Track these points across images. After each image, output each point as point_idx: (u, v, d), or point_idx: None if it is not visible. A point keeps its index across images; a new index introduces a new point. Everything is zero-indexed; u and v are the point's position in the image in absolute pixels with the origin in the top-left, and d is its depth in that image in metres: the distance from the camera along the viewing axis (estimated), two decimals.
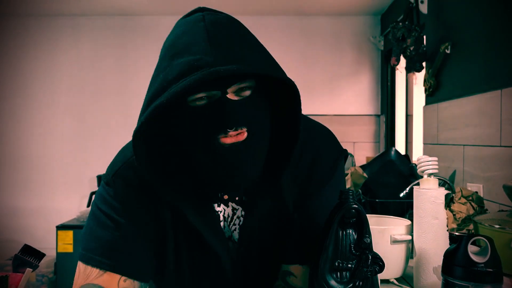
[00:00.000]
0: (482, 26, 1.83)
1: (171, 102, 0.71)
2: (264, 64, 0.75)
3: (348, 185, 1.86)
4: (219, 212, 0.88)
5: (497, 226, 1.13)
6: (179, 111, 0.77)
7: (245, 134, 0.75)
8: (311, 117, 0.98)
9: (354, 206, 0.75)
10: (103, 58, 3.58)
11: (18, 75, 3.58)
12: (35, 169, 3.56)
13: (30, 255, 0.92)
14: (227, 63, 0.70)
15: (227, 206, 0.89)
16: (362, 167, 2.14)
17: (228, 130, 0.73)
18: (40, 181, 3.56)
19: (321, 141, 0.92)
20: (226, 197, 0.88)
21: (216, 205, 0.88)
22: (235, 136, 0.74)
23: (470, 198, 1.42)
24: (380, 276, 1.16)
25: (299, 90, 0.78)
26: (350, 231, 0.77)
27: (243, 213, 0.88)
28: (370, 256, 0.75)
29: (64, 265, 2.86)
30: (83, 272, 0.83)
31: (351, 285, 0.74)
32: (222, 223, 0.88)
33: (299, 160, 0.88)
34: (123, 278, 0.83)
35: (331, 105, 3.48)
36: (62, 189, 3.54)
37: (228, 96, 0.74)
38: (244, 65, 0.71)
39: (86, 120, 3.55)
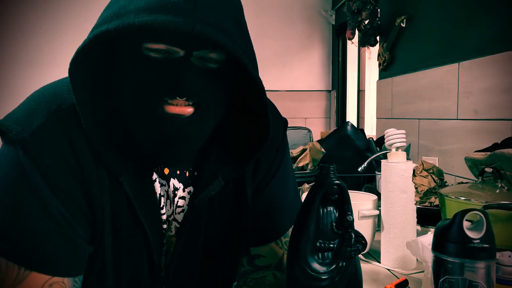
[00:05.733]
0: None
1: (121, 37, 0.60)
2: (245, 48, 0.65)
3: (306, 161, 1.83)
4: (158, 188, 0.74)
5: (462, 198, 1.13)
6: (127, 55, 0.64)
7: (191, 110, 0.65)
8: None
9: (337, 182, 0.70)
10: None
11: None
12: None
13: None
14: (207, 23, 0.59)
15: (168, 184, 0.76)
16: (318, 142, 2.12)
17: (178, 97, 0.63)
18: None
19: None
20: (166, 171, 0.76)
21: (157, 181, 0.74)
22: (181, 107, 0.64)
23: (431, 171, 1.43)
24: None
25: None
26: (331, 208, 0.72)
27: (187, 190, 0.77)
28: (353, 235, 0.70)
29: None
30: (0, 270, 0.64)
31: (334, 266, 0.69)
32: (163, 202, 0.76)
33: None
34: (52, 280, 0.65)
35: (283, 81, 3.44)
36: None
37: (191, 59, 0.63)
38: (224, 36, 0.59)
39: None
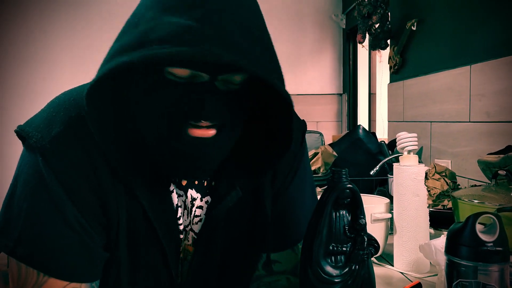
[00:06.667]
0: (448, 2, 1.82)
1: (143, 64, 0.60)
2: (270, 64, 0.65)
3: (318, 165, 1.83)
4: (175, 199, 0.75)
5: (476, 201, 1.12)
6: (149, 78, 0.64)
7: (214, 132, 0.65)
8: None
9: (349, 186, 0.70)
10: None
11: None
12: None
13: None
14: (233, 49, 0.58)
15: (185, 194, 0.76)
16: (330, 145, 2.12)
17: (202, 120, 0.63)
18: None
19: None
20: (184, 182, 0.76)
21: (174, 192, 0.75)
22: (204, 130, 0.64)
23: (443, 174, 1.43)
24: None
25: None
26: (343, 212, 0.72)
27: (204, 200, 0.78)
28: (366, 238, 0.71)
29: None
30: (18, 276, 0.65)
31: (347, 269, 0.70)
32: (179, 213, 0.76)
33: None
34: (69, 286, 0.66)
35: (294, 85, 3.44)
36: None
37: (215, 83, 0.63)
38: (249, 59, 0.59)
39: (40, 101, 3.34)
